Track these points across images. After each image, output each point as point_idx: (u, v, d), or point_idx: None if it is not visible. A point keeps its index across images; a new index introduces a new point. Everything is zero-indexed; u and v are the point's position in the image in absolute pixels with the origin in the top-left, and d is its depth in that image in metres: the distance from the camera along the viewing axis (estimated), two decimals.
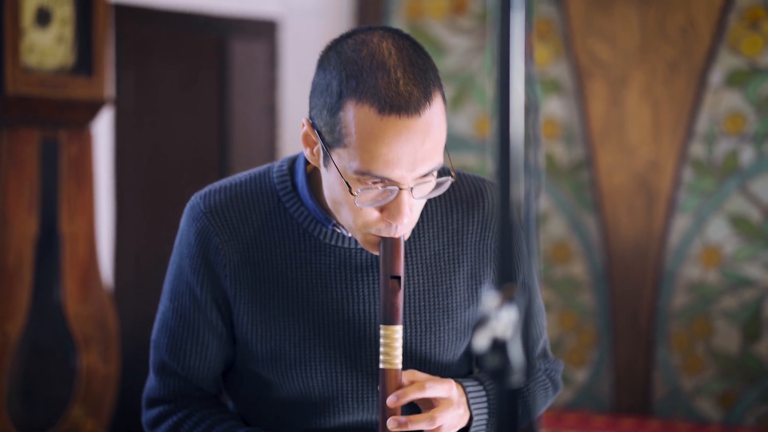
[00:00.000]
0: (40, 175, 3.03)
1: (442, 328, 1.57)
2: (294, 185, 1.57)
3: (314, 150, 1.47)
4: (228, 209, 1.56)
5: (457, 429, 1.52)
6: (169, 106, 3.86)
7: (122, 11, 3.55)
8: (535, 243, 0.96)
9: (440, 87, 1.43)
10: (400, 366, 1.45)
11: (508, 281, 0.91)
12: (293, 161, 1.60)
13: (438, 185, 1.46)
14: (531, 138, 0.95)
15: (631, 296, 3.84)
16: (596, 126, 3.88)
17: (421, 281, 1.57)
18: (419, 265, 1.57)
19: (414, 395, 1.44)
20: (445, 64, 4.08)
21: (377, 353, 1.54)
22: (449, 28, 4.10)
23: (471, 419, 1.53)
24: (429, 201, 1.58)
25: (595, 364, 3.90)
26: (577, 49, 3.89)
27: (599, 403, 3.87)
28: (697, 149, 3.77)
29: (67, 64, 3.08)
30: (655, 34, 3.80)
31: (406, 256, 1.55)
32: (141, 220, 3.77)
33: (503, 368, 0.89)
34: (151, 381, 1.64)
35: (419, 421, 1.45)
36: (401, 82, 1.38)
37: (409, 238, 1.57)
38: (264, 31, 4.07)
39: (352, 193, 1.40)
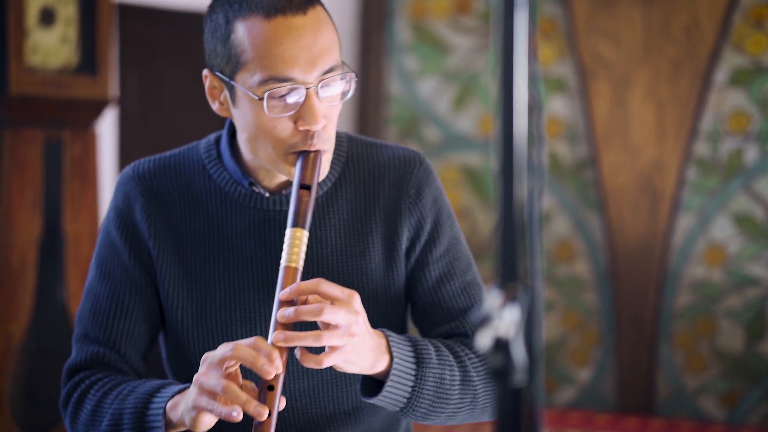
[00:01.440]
0: (43, 175, 3.03)
1: (359, 289, 1.55)
2: (219, 153, 1.61)
3: (221, 99, 1.53)
4: (155, 176, 1.60)
5: (373, 368, 1.44)
6: (172, 106, 3.86)
7: (126, 11, 3.55)
8: (538, 242, 0.95)
9: (320, 1, 1.50)
10: (301, 266, 1.43)
11: (510, 280, 0.91)
12: (220, 135, 1.64)
13: (344, 91, 1.50)
14: (534, 137, 0.95)
15: (634, 295, 3.83)
16: (600, 125, 3.87)
17: (337, 242, 1.58)
18: (335, 227, 1.58)
19: (308, 288, 1.39)
20: (448, 64, 4.08)
21: None
22: (453, 27, 4.10)
23: (392, 360, 1.45)
24: (346, 168, 1.61)
25: (599, 364, 3.89)
26: (581, 49, 3.89)
27: (603, 402, 3.87)
28: (701, 148, 3.76)
29: (70, 64, 3.09)
30: (659, 33, 3.80)
31: (323, 218, 1.57)
32: None
33: (505, 368, 0.89)
34: (71, 355, 1.63)
35: (305, 311, 1.37)
36: None
37: (326, 202, 1.58)
38: None
39: (261, 100, 1.43)
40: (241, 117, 1.50)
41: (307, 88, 1.44)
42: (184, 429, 1.45)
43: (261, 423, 1.36)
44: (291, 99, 1.45)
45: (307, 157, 1.47)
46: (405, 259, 1.61)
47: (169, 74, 3.85)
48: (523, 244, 0.92)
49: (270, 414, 1.36)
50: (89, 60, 3.11)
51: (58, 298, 3.07)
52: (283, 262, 1.43)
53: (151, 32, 3.80)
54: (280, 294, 1.41)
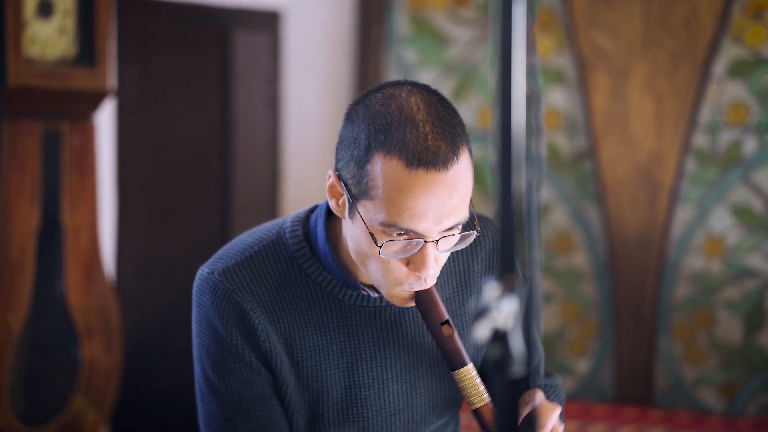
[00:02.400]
0: (42, 167, 3.03)
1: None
2: (312, 250, 1.55)
3: (340, 201, 1.47)
4: (252, 284, 1.54)
5: None
6: (171, 97, 3.86)
7: (125, 4, 3.55)
8: (536, 233, 0.95)
9: (467, 143, 1.44)
10: (488, 400, 1.47)
11: (509, 273, 0.91)
12: (305, 223, 1.58)
13: (462, 238, 1.47)
14: (533, 129, 0.95)
15: (633, 287, 3.84)
16: (599, 117, 3.87)
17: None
18: None
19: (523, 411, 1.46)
20: (447, 55, 4.08)
21: (408, 406, 1.59)
22: (452, 19, 4.09)
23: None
24: None
25: (598, 355, 3.90)
26: (580, 41, 3.89)
27: (601, 393, 3.88)
28: (699, 140, 3.76)
29: (69, 56, 3.08)
30: (658, 25, 3.80)
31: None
32: (143, 212, 3.78)
33: (504, 359, 0.89)
34: None
35: None
36: (430, 137, 1.39)
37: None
38: (267, 22, 4.07)
39: (377, 245, 1.41)
40: (355, 234, 1.46)
41: (426, 241, 1.41)
42: None
43: None
44: (408, 246, 1.42)
45: (425, 295, 1.48)
46: None
47: (168, 66, 3.84)
48: (522, 235, 0.92)
49: None
50: (87, 51, 3.10)
51: (57, 290, 3.07)
52: (473, 407, 1.49)
53: (150, 24, 3.80)
54: None
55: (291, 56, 4.10)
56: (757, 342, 3.69)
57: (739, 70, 3.70)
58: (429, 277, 1.45)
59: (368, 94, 1.46)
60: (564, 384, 4.08)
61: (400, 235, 1.40)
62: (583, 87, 3.89)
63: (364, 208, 1.42)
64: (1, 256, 2.95)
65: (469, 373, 1.47)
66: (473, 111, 4.06)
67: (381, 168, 1.39)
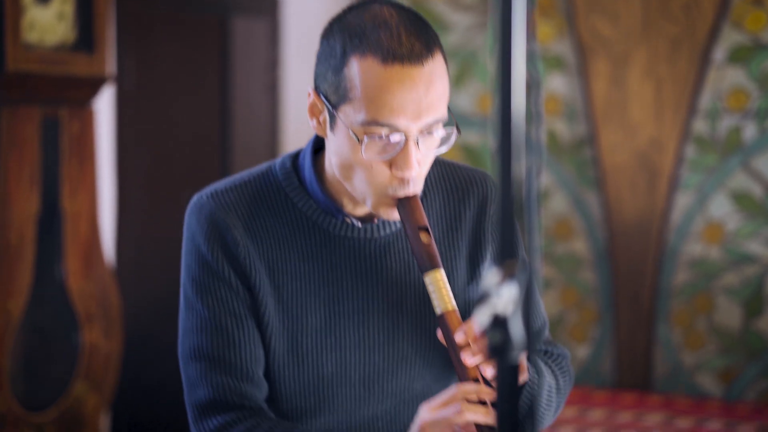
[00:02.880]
0: (41, 153, 3.03)
1: None
2: (300, 180, 1.59)
3: (320, 119, 1.51)
4: (238, 206, 1.57)
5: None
6: (170, 83, 3.85)
7: None
8: (536, 220, 0.96)
9: (442, 50, 1.50)
10: (455, 305, 1.46)
11: (509, 258, 0.91)
12: (295, 158, 1.62)
13: (443, 142, 1.50)
14: (532, 115, 0.95)
15: (632, 273, 3.84)
16: (599, 103, 3.87)
17: None
18: None
19: (478, 327, 1.44)
20: (447, 41, 4.07)
21: (388, 342, 1.57)
22: (451, 4, 4.08)
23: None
24: (427, 191, 1.62)
25: (597, 341, 3.91)
26: (580, 27, 3.88)
27: (600, 379, 3.89)
28: (699, 126, 3.76)
29: (67, 41, 3.07)
30: (658, 11, 3.79)
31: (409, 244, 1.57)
32: (143, 198, 3.78)
33: (504, 345, 0.89)
34: (199, 390, 1.56)
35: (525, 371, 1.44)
36: (404, 37, 1.45)
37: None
38: (265, 9, 4.06)
39: (359, 141, 1.43)
40: (337, 145, 1.49)
41: (407, 138, 1.44)
42: None
43: None
44: (389, 145, 1.45)
45: (408, 202, 1.48)
46: None
47: (167, 52, 3.84)
48: (521, 221, 0.93)
49: None
50: (86, 37, 3.10)
51: (57, 275, 3.07)
52: (438, 309, 1.46)
53: (150, 10, 3.79)
54: (456, 339, 1.43)
55: (290, 43, 4.09)
56: (756, 328, 3.70)
57: (739, 56, 3.70)
58: (412, 180, 1.47)
59: (342, 14, 1.50)
60: None
61: (380, 139, 1.43)
62: (583, 73, 3.89)
63: (344, 114, 1.45)
64: (0, 242, 2.95)
65: (440, 277, 1.46)
66: (473, 97, 4.06)
67: (358, 68, 1.43)
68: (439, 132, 1.48)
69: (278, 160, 1.62)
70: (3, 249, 2.95)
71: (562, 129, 3.94)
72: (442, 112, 1.46)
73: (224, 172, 3.96)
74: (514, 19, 0.91)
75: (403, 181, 1.46)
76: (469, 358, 1.42)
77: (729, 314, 3.72)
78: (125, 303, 3.31)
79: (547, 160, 3.92)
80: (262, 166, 1.64)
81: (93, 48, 3.10)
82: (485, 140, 3.99)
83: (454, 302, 1.46)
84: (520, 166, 0.92)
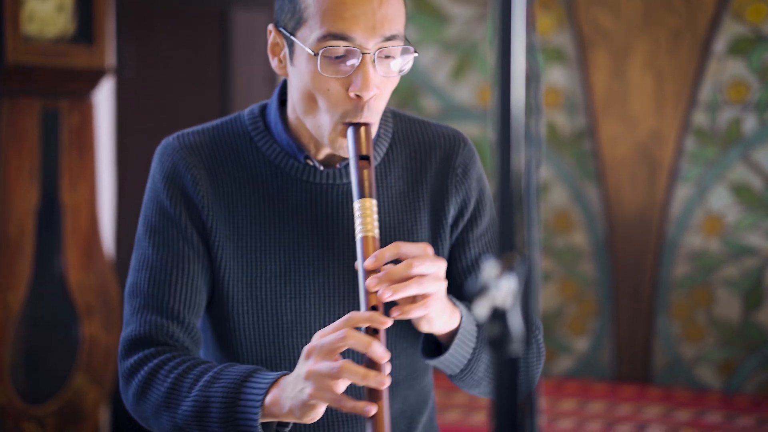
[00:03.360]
0: (41, 145, 3.03)
1: None
2: (266, 125, 1.60)
3: (281, 55, 1.52)
4: (202, 147, 1.59)
5: (448, 325, 1.46)
6: (170, 76, 3.85)
7: None
8: (535, 212, 0.95)
9: None
10: (377, 233, 1.44)
11: (507, 250, 0.91)
12: (263, 106, 1.63)
13: (402, 68, 1.49)
14: (532, 107, 0.95)
15: (632, 265, 3.84)
16: (599, 95, 3.87)
17: (387, 219, 1.59)
18: (385, 204, 1.59)
19: (390, 254, 1.41)
20: (447, 34, 4.06)
21: (348, 291, 1.55)
22: None
23: (462, 318, 1.49)
24: (394, 144, 1.62)
25: (596, 333, 3.91)
26: (581, 19, 3.87)
27: (600, 371, 3.89)
28: (699, 118, 3.76)
29: (67, 33, 3.07)
30: (659, 2, 3.78)
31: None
32: (142, 190, 3.77)
33: (503, 337, 0.89)
34: (129, 326, 1.56)
35: (397, 271, 1.39)
36: None
37: (376, 179, 1.58)
38: (265, 0, 4.05)
39: (316, 56, 1.43)
40: (297, 76, 1.49)
41: (363, 53, 1.44)
42: (279, 420, 1.43)
43: (377, 391, 1.36)
44: (346, 61, 1.45)
45: (358, 129, 1.47)
46: (449, 237, 1.62)
47: (167, 44, 3.83)
48: (521, 214, 0.92)
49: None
50: (86, 29, 3.09)
51: (56, 268, 3.07)
52: (359, 233, 1.43)
53: (149, 2, 3.78)
54: (365, 263, 1.40)
55: None
56: (756, 320, 3.70)
57: (739, 48, 3.69)
58: (368, 106, 1.46)
59: None
60: (563, 362, 4.11)
61: (338, 58, 1.44)
62: (583, 65, 3.88)
63: (301, 38, 1.46)
64: (0, 234, 2.95)
65: (370, 205, 1.44)
66: (473, 89, 4.06)
67: None
68: (398, 61, 1.48)
69: (248, 109, 1.64)
70: (2, 242, 2.95)
71: (562, 121, 3.93)
72: (397, 28, 1.47)
73: None
74: (514, 11, 0.91)
75: (358, 105, 1.46)
76: (373, 284, 1.38)
77: (728, 307, 3.72)
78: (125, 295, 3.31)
79: (547, 152, 3.92)
80: (233, 114, 1.65)
81: (93, 40, 3.09)
82: (486, 133, 3.99)
83: (377, 231, 1.43)
84: (519, 159, 0.92)
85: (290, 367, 1.53)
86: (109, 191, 3.60)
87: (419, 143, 1.63)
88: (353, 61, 1.44)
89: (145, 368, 1.53)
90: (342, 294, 1.56)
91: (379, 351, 1.36)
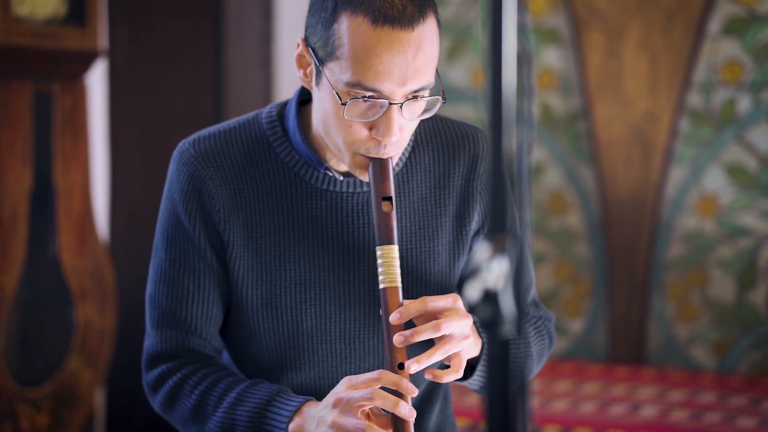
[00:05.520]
0: (33, 128, 3.01)
1: (428, 271, 1.58)
2: (284, 130, 1.57)
3: (307, 71, 1.49)
4: (218, 155, 1.56)
5: (470, 354, 1.49)
6: (163, 58, 3.83)
7: None
8: (527, 194, 0.95)
9: (435, 12, 1.47)
10: (400, 284, 1.45)
11: (499, 231, 0.91)
12: (282, 107, 1.60)
13: (427, 109, 1.47)
14: (525, 89, 0.94)
15: (627, 247, 3.85)
16: (593, 77, 3.86)
17: (408, 224, 1.58)
18: (407, 209, 1.58)
19: (416, 310, 1.43)
20: (441, 15, 4.04)
21: (368, 297, 1.56)
22: None
23: (483, 345, 1.51)
24: (417, 146, 1.60)
25: (591, 315, 3.92)
26: None
27: (594, 352, 3.90)
28: (694, 99, 3.75)
29: (59, 14, 3.05)
30: None
31: (395, 198, 1.56)
32: (136, 172, 3.77)
33: (495, 319, 0.89)
34: (150, 338, 1.60)
35: (423, 331, 1.41)
36: None
37: (398, 183, 1.57)
38: None
39: (342, 103, 1.41)
40: (320, 100, 1.47)
41: (390, 103, 1.41)
42: None
43: None
44: (372, 108, 1.42)
45: (379, 163, 1.46)
46: (470, 244, 1.61)
47: (159, 26, 3.81)
48: (514, 195, 0.92)
49: None
50: (78, 11, 3.07)
51: (50, 250, 3.06)
52: (381, 284, 1.44)
53: None
54: (390, 318, 1.42)
55: (283, 17, 4.07)
56: (750, 300, 3.71)
57: (734, 28, 3.68)
58: (390, 144, 1.44)
59: None
60: (557, 344, 4.10)
61: (365, 100, 1.41)
62: (577, 46, 3.87)
63: (330, 70, 1.42)
64: None
65: (392, 252, 1.44)
66: (467, 71, 4.05)
67: (347, 26, 1.40)
68: (424, 101, 1.46)
69: (266, 109, 1.61)
70: None
71: (557, 102, 3.93)
72: (428, 79, 1.44)
73: None
74: None
75: (380, 144, 1.44)
76: (399, 340, 1.41)
77: (723, 287, 3.73)
78: (119, 278, 3.31)
79: (541, 133, 3.91)
80: (250, 114, 1.62)
81: (85, 22, 3.08)
82: (480, 115, 3.98)
83: (399, 280, 1.44)
84: (511, 140, 0.91)
85: (310, 373, 1.57)
86: (103, 174, 3.59)
87: (443, 145, 1.61)
88: (379, 108, 1.41)
89: (170, 382, 1.57)
90: (362, 300, 1.57)
91: (405, 411, 1.39)
